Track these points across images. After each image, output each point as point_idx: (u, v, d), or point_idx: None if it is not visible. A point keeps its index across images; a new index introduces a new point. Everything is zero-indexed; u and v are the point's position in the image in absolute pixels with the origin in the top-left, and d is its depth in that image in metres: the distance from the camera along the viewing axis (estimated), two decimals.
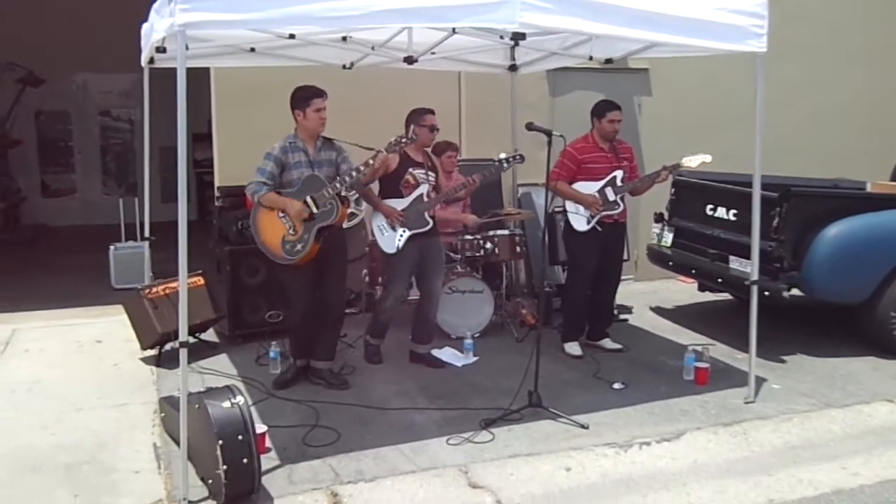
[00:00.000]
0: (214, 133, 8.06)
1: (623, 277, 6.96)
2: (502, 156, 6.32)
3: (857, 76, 10.37)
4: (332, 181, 5.37)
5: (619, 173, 6.40)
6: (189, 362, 4.22)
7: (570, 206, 6.38)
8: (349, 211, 8.00)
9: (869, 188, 7.80)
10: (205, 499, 4.10)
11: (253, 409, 4.37)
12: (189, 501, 4.05)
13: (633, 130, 9.23)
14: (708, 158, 6.25)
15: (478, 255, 7.10)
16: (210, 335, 6.92)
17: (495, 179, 7.83)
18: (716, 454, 4.78)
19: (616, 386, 5.86)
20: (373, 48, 6.38)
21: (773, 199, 6.42)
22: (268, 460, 4.47)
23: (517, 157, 6.26)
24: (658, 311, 8.24)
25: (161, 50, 5.24)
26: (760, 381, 5.92)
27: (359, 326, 6.94)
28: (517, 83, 7.79)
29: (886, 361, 6.54)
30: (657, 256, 7.85)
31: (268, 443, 4.67)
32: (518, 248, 7.30)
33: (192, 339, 6.27)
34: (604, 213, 6.33)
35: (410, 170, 6.04)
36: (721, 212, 7.20)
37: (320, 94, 5.48)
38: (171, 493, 4.19)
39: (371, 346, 6.42)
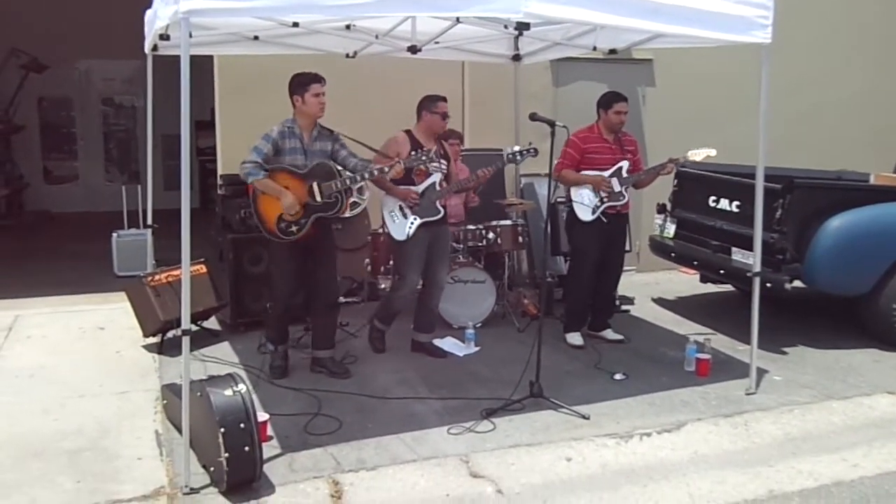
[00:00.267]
0: (217, 121, 8.06)
1: (625, 268, 6.96)
2: (516, 148, 6.31)
3: (862, 68, 10.34)
4: (341, 174, 5.38)
5: (624, 163, 6.40)
6: (191, 350, 4.23)
7: (575, 196, 6.36)
8: (352, 200, 8.04)
9: (872, 180, 7.80)
10: (206, 486, 4.11)
11: (254, 397, 4.37)
12: (191, 488, 4.06)
13: (637, 121, 9.22)
14: (713, 153, 6.19)
15: (480, 244, 7.10)
16: (212, 323, 6.93)
17: (498, 169, 7.82)
18: (716, 445, 4.78)
19: (617, 377, 5.86)
20: (376, 37, 6.37)
21: (776, 190, 6.41)
22: (269, 448, 4.48)
23: (531, 150, 6.21)
24: (660, 302, 8.25)
25: (164, 37, 5.24)
26: (762, 372, 5.92)
27: (361, 315, 6.97)
28: (521, 73, 7.77)
29: (888, 353, 6.55)
30: (659, 247, 7.84)
31: (269, 431, 4.67)
32: (520, 239, 7.30)
33: (194, 327, 6.28)
34: (609, 203, 6.33)
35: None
36: (724, 203, 7.19)
37: (319, 79, 5.47)
38: (173, 480, 4.20)
39: (377, 331, 6.42)
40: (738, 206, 7.00)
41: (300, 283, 5.82)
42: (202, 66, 6.96)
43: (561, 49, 7.04)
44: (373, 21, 6.02)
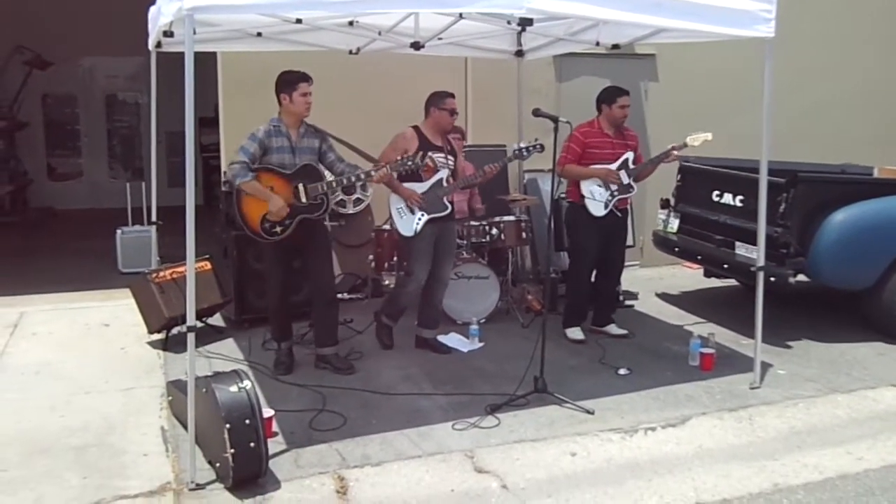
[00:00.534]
0: (221, 117, 8.07)
1: (629, 263, 6.97)
2: (522, 144, 6.30)
3: (865, 62, 10.32)
4: (326, 176, 5.42)
5: (629, 155, 6.40)
6: (196, 346, 4.24)
7: (586, 192, 6.34)
8: (355, 196, 8.06)
9: (876, 174, 7.79)
10: (212, 482, 4.13)
11: (259, 393, 4.39)
12: (197, 484, 4.08)
13: (640, 116, 9.21)
14: (709, 136, 6.27)
15: (484, 240, 7.10)
16: (216, 319, 6.95)
17: (504, 166, 7.83)
18: (721, 439, 4.79)
19: (621, 371, 5.87)
20: (379, 33, 6.36)
21: (779, 184, 6.40)
22: (275, 444, 4.49)
23: (537, 146, 6.20)
24: (664, 296, 8.25)
25: (168, 34, 5.25)
26: (766, 366, 5.93)
27: (365, 312, 6.97)
28: (524, 69, 7.77)
29: (892, 347, 6.55)
30: (663, 242, 7.84)
31: (274, 427, 4.69)
32: (524, 235, 7.31)
33: (199, 324, 6.29)
34: (620, 196, 6.34)
35: (430, 154, 6.03)
36: (727, 198, 7.18)
37: (306, 78, 5.48)
38: (179, 476, 4.21)
39: (385, 326, 6.43)
40: (741, 201, 7.00)
41: (296, 279, 5.83)
42: (205, 63, 6.95)
43: (564, 44, 7.04)
44: (376, 17, 6.02)
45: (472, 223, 7.06)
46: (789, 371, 5.98)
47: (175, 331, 6.35)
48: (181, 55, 3.93)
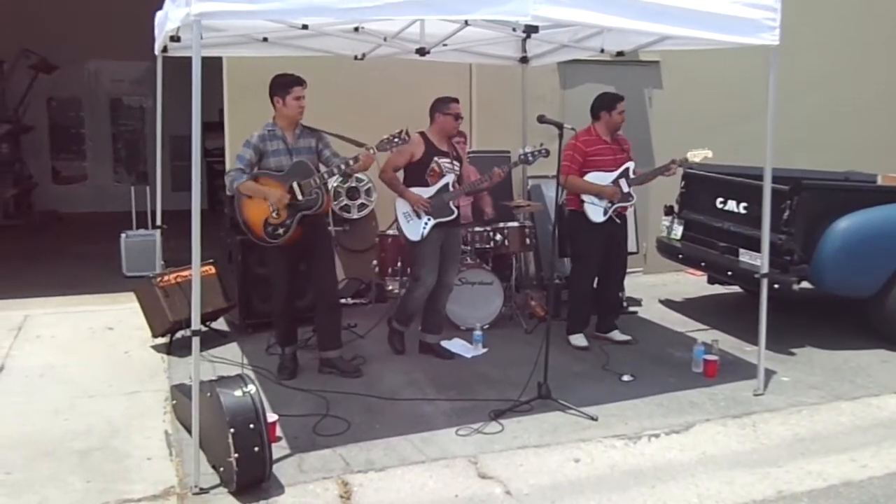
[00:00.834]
0: (226, 122, 8.08)
1: (632, 270, 6.97)
2: (528, 149, 6.31)
3: (869, 70, 10.32)
4: (319, 169, 5.44)
5: (630, 164, 6.44)
6: (200, 351, 4.24)
7: (586, 196, 6.37)
8: (359, 201, 8.06)
9: (880, 181, 7.79)
10: (216, 486, 4.13)
11: (263, 397, 4.39)
12: (200, 488, 4.08)
13: (644, 123, 9.23)
14: (709, 154, 6.28)
15: (487, 246, 7.11)
16: (220, 324, 6.96)
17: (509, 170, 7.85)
18: (725, 446, 4.79)
19: (625, 378, 5.87)
20: (385, 39, 6.38)
21: (783, 191, 6.40)
22: (278, 449, 4.49)
23: (543, 150, 6.19)
24: (667, 303, 8.25)
25: (175, 39, 5.26)
26: (770, 373, 5.92)
27: (369, 317, 6.98)
28: (528, 75, 7.77)
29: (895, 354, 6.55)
30: (667, 249, 7.84)
31: (278, 432, 4.69)
32: (528, 241, 7.31)
33: (203, 328, 6.30)
34: (619, 204, 6.35)
35: (436, 159, 6.04)
36: (731, 205, 7.18)
37: (300, 82, 5.51)
38: (183, 480, 4.22)
39: (396, 332, 6.44)
40: (745, 208, 7.00)
41: (300, 284, 5.83)
42: (210, 67, 6.96)
43: (568, 51, 7.05)
44: (381, 23, 6.04)
45: (477, 229, 7.07)
46: (793, 378, 5.97)
47: (179, 335, 6.36)
48: (186, 60, 3.94)
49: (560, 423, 5.04)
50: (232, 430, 3.94)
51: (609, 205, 6.35)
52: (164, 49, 6.14)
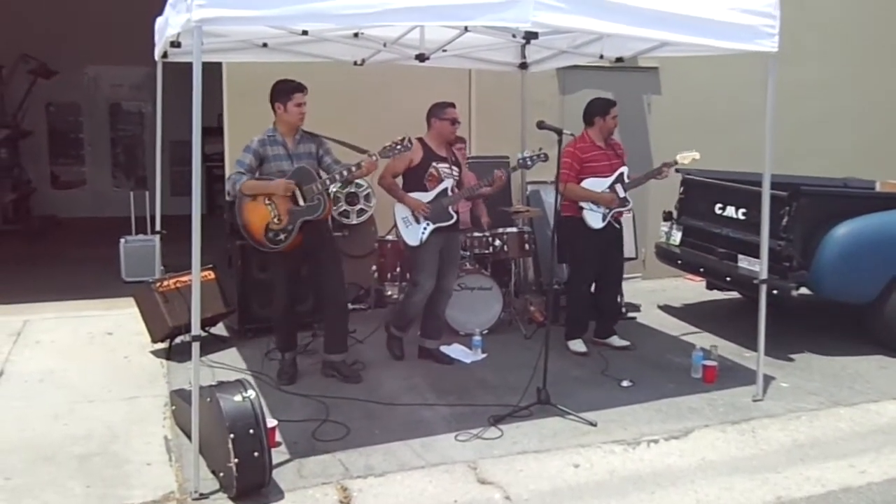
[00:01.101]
0: (226, 127, 8.09)
1: (631, 275, 6.98)
2: (526, 154, 6.32)
3: (868, 76, 10.36)
4: (320, 176, 5.45)
5: (625, 169, 6.46)
6: (200, 356, 4.25)
7: (584, 203, 6.38)
8: (358, 207, 8.07)
9: (878, 188, 7.80)
10: (216, 491, 4.13)
11: (263, 403, 4.39)
12: (200, 494, 4.08)
13: (643, 129, 9.25)
14: (697, 155, 6.33)
15: (486, 252, 7.11)
16: (220, 329, 6.96)
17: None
18: (724, 452, 4.79)
19: (624, 383, 5.87)
20: (385, 45, 6.39)
21: (782, 197, 6.42)
22: (278, 454, 4.49)
23: (542, 155, 6.21)
24: (666, 309, 8.25)
25: (175, 44, 5.27)
26: (768, 379, 5.93)
27: (367, 322, 6.98)
28: (527, 81, 7.79)
29: (894, 360, 6.55)
30: (665, 255, 7.85)
31: (278, 437, 4.69)
32: (527, 246, 7.32)
33: (202, 333, 6.30)
34: (617, 209, 6.37)
35: (434, 164, 6.05)
36: (730, 210, 7.20)
37: (301, 88, 5.52)
38: (183, 485, 4.22)
39: (395, 338, 6.44)
40: (744, 214, 7.01)
41: (302, 289, 5.83)
42: (210, 73, 6.98)
43: (568, 57, 7.07)
44: (381, 29, 6.04)
45: (476, 234, 7.07)
46: (792, 384, 5.98)
47: (178, 340, 6.36)
48: (186, 65, 3.95)
49: (559, 428, 5.04)
50: (232, 435, 3.94)
51: (607, 211, 6.37)
52: (165, 55, 6.14)
